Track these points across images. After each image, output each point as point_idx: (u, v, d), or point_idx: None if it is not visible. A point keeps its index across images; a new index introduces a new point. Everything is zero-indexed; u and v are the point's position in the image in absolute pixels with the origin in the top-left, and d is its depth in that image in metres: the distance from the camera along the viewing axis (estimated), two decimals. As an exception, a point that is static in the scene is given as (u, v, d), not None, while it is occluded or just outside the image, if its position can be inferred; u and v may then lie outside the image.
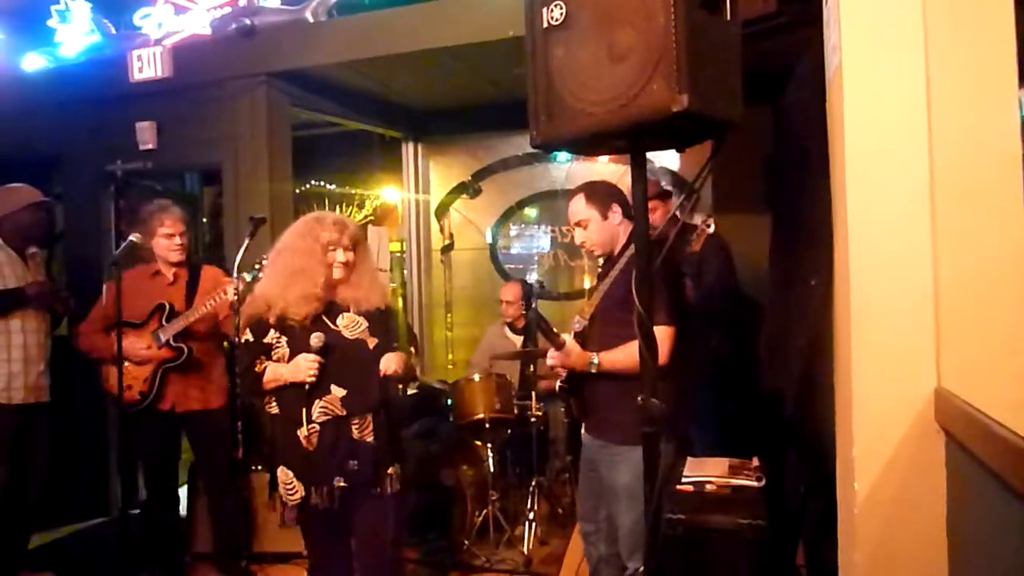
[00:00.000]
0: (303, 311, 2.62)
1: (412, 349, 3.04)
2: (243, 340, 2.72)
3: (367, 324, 2.71)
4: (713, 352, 3.60)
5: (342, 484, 2.59)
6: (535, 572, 3.74)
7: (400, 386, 2.89)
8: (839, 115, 1.67)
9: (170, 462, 3.73)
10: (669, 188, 3.61)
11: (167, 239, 3.57)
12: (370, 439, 2.64)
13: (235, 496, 3.63)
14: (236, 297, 3.10)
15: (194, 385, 3.60)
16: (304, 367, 2.56)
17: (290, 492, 2.62)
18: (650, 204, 3.47)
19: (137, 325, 3.52)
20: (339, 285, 2.71)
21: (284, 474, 2.63)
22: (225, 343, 3.78)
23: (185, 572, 3.83)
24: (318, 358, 2.56)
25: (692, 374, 3.44)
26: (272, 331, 2.66)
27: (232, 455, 3.41)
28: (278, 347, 2.65)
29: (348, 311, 2.71)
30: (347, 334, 2.68)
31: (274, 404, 2.68)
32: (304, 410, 2.58)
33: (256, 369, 2.66)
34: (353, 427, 2.62)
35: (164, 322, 3.51)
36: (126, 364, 3.37)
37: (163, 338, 3.49)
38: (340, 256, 2.67)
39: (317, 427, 2.59)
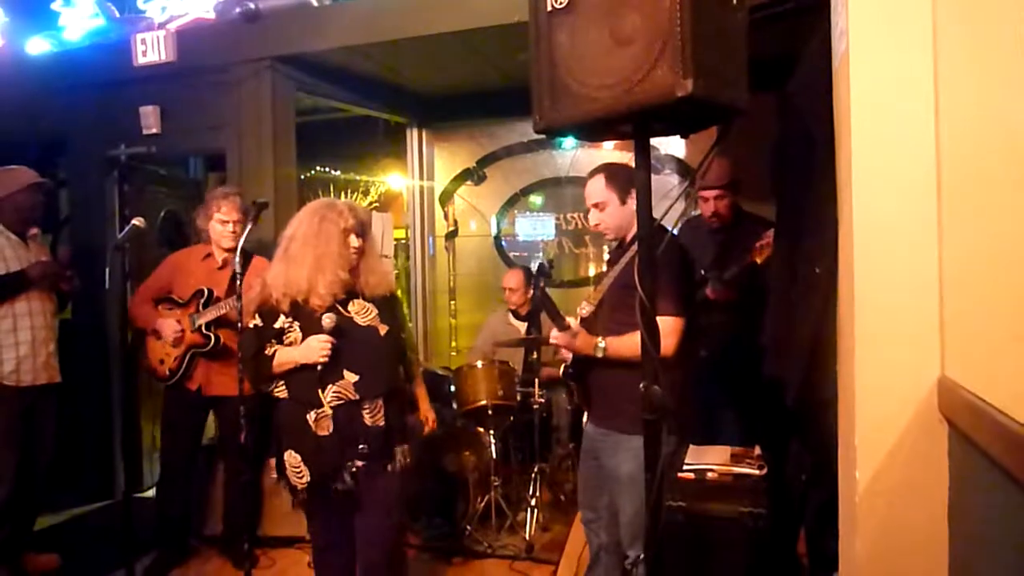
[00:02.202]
0: (329, 297, 2.64)
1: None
2: (251, 325, 2.72)
3: (377, 311, 2.73)
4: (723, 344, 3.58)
5: (360, 465, 2.61)
6: (537, 558, 3.76)
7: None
8: (845, 101, 1.66)
9: (190, 440, 3.80)
10: (737, 179, 3.57)
11: (222, 224, 3.68)
12: (381, 423, 2.67)
13: (247, 480, 3.68)
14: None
15: (224, 372, 3.64)
16: (316, 348, 2.57)
17: (299, 476, 2.64)
18: (717, 192, 3.48)
19: (180, 304, 3.67)
20: (355, 270, 2.73)
21: (292, 458, 2.65)
22: None
23: (189, 555, 3.86)
24: (330, 339, 2.58)
25: (697, 363, 3.44)
26: (283, 317, 2.66)
27: (245, 439, 3.44)
28: (290, 332, 2.66)
29: (358, 298, 2.73)
30: (359, 320, 2.69)
31: (283, 388, 2.69)
32: (317, 394, 2.61)
33: (266, 352, 2.67)
34: (364, 412, 2.64)
35: (201, 307, 3.61)
36: (161, 340, 3.63)
37: (197, 322, 3.60)
38: (354, 242, 2.69)
39: (329, 412, 2.61)
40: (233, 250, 3.70)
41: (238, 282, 2.91)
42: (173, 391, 3.71)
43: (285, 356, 2.64)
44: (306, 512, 2.80)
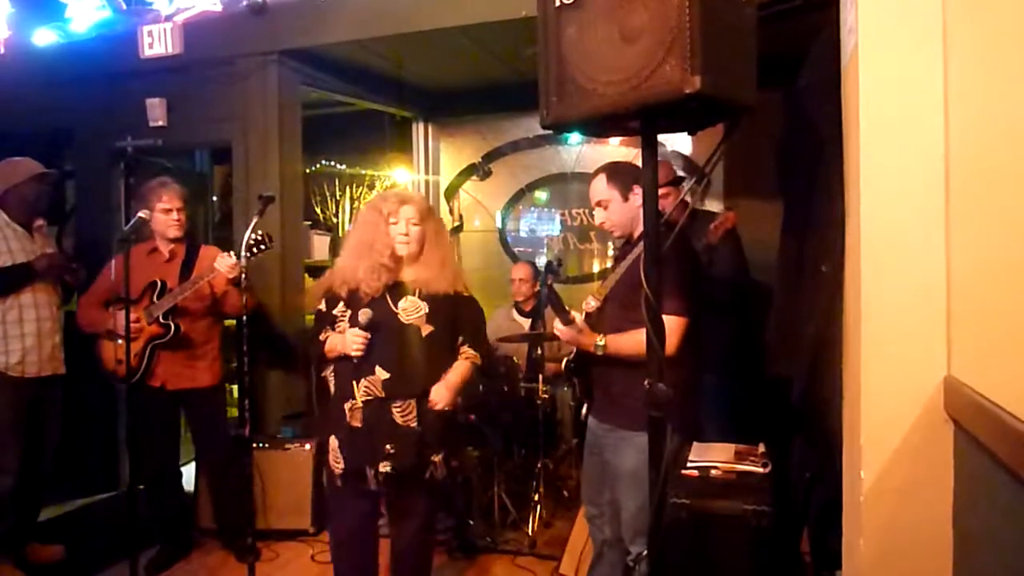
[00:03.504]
0: (374, 284, 2.65)
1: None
2: (317, 309, 2.79)
3: (427, 310, 2.70)
4: (721, 339, 3.58)
5: (388, 470, 2.60)
6: (539, 554, 3.76)
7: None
8: (854, 99, 1.65)
9: (167, 439, 3.77)
10: (683, 174, 3.59)
11: (164, 214, 3.60)
12: (413, 425, 2.65)
13: (238, 473, 3.65)
14: (240, 273, 3.15)
15: (185, 364, 3.62)
16: (350, 341, 2.60)
17: (336, 462, 2.69)
18: (662, 190, 3.48)
19: (132, 301, 3.54)
20: (407, 262, 2.72)
21: (333, 442, 2.70)
22: (225, 322, 3.82)
23: (192, 547, 3.87)
24: (365, 334, 2.59)
25: (701, 362, 3.43)
26: (341, 304, 2.71)
27: (239, 433, 3.43)
28: (342, 320, 2.70)
29: (413, 295, 2.71)
30: (403, 317, 2.68)
31: (332, 374, 2.75)
32: (352, 386, 2.64)
33: (321, 338, 2.73)
34: (395, 411, 2.64)
35: (155, 299, 3.54)
36: (119, 339, 3.44)
37: (153, 315, 3.53)
38: (402, 228, 2.67)
39: (360, 404, 2.63)
40: (179, 240, 3.67)
41: (230, 275, 2.91)
42: (138, 393, 3.59)
43: (332, 343, 2.69)
44: (335, 499, 2.81)
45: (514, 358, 4.38)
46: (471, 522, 3.91)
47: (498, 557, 3.76)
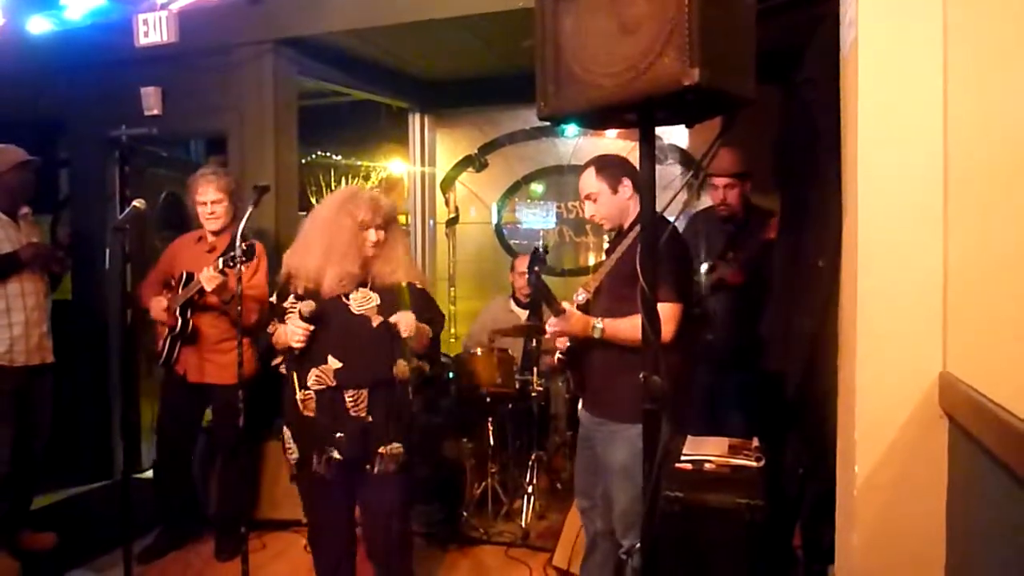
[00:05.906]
0: (337, 288, 2.65)
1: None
2: (268, 301, 2.82)
3: (379, 301, 2.71)
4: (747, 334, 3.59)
5: (337, 456, 2.62)
6: (533, 545, 3.76)
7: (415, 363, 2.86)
8: (852, 92, 1.64)
9: (183, 426, 3.77)
10: (748, 171, 3.58)
11: (200, 207, 3.60)
12: (363, 415, 2.65)
13: (239, 465, 3.65)
14: (226, 284, 3.24)
15: (208, 359, 3.61)
16: (291, 332, 2.60)
17: (290, 452, 2.71)
18: (727, 181, 3.51)
19: (171, 287, 3.64)
20: (370, 263, 2.72)
21: (286, 433, 2.72)
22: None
23: (188, 537, 3.86)
24: (305, 325, 2.59)
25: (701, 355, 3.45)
26: (292, 297, 2.70)
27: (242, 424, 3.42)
28: (291, 312, 2.68)
29: (364, 286, 2.72)
30: (354, 308, 2.69)
31: (283, 366, 2.74)
32: (303, 376, 2.64)
33: (269, 329, 2.74)
34: (347, 400, 2.64)
35: (180, 290, 3.54)
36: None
37: (172, 305, 3.54)
38: (372, 236, 2.67)
39: (312, 394, 2.63)
40: (218, 233, 3.64)
41: (239, 267, 2.89)
42: (169, 374, 3.67)
43: (279, 334, 2.69)
44: (300, 492, 2.82)
45: (509, 350, 4.38)
46: (464, 513, 3.91)
47: (491, 549, 3.76)
